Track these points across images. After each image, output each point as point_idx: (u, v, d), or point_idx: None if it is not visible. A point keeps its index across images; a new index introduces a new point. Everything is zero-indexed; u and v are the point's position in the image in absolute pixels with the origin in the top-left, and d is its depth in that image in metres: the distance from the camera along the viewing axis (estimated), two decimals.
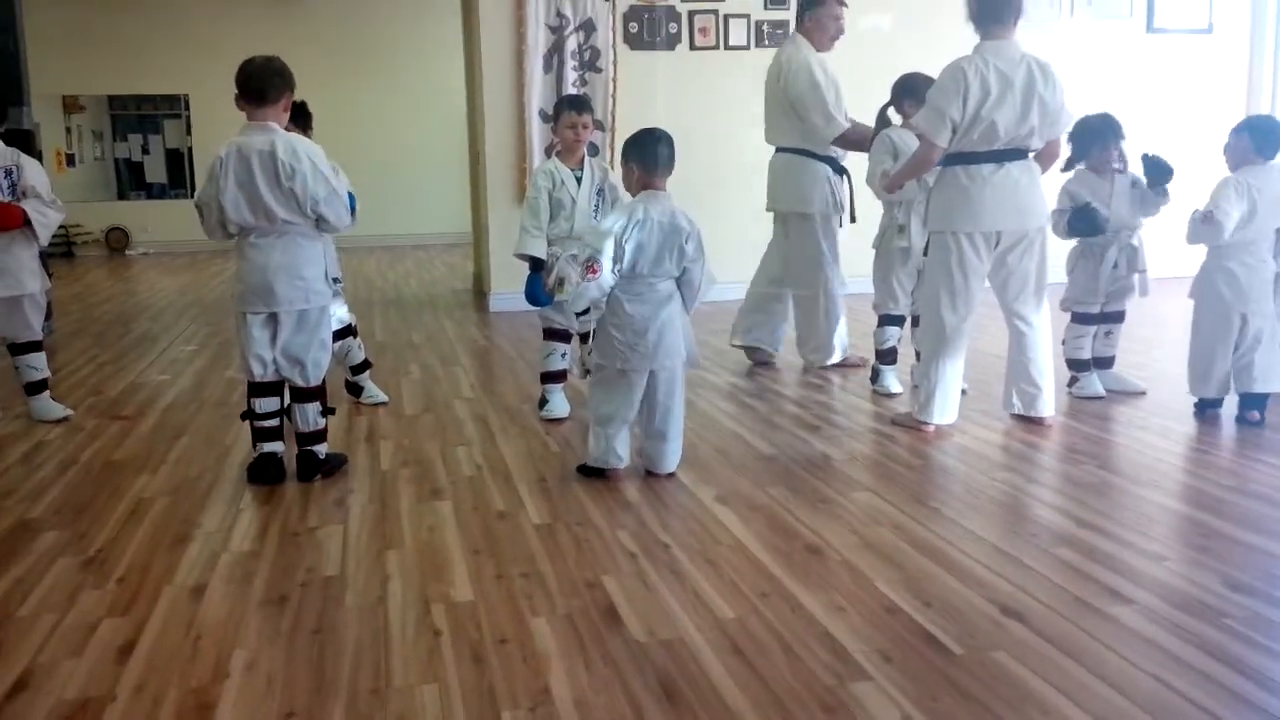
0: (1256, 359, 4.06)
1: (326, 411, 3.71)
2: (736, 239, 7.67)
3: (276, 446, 3.64)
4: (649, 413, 3.55)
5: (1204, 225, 4.01)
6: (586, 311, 4.03)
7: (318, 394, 3.64)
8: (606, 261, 3.37)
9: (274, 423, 3.63)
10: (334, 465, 3.70)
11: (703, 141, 7.55)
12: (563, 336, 4.39)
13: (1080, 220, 4.41)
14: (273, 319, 3.53)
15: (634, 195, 3.56)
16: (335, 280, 3.81)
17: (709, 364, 5.41)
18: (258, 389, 3.59)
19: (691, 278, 3.52)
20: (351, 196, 3.60)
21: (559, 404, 4.40)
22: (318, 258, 3.58)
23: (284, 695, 2.17)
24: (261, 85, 3.43)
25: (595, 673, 2.24)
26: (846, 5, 5.08)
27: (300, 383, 3.59)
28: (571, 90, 7.18)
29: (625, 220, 3.41)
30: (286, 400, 3.67)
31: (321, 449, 3.67)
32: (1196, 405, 4.23)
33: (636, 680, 2.20)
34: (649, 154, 3.51)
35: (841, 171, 5.10)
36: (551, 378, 4.44)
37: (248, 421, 3.68)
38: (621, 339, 3.44)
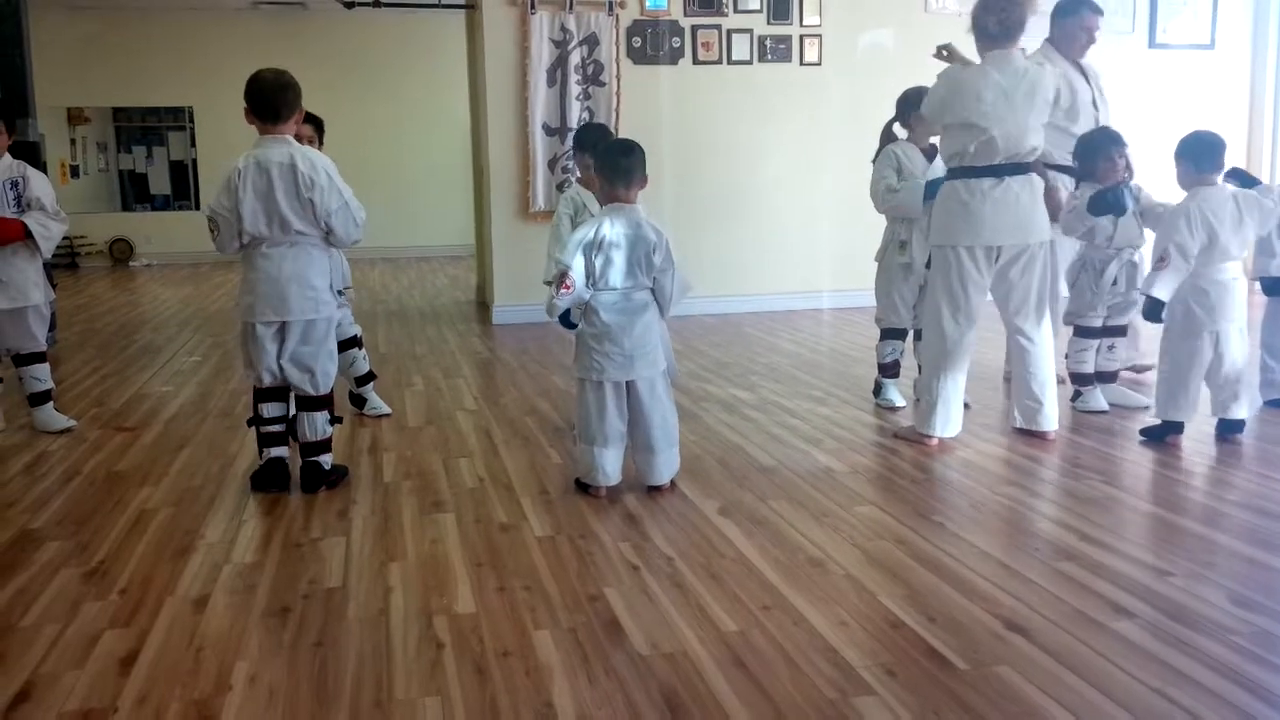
0: (1241, 388, 3.99)
1: (334, 420, 3.72)
2: (740, 252, 7.72)
3: (282, 451, 3.65)
4: (633, 426, 3.52)
5: (1166, 270, 3.87)
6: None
7: (326, 402, 3.66)
8: (579, 276, 3.38)
9: (279, 427, 3.64)
10: (337, 477, 3.70)
11: (706, 156, 7.59)
12: None
13: (1102, 200, 4.27)
14: (281, 329, 3.54)
15: (601, 205, 3.54)
16: (344, 289, 3.83)
17: (711, 376, 5.42)
18: (263, 394, 3.61)
19: (663, 286, 3.50)
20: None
21: None
22: (326, 269, 3.61)
23: (286, 708, 2.17)
24: (276, 103, 3.45)
25: (598, 686, 2.24)
26: (1101, 14, 4.94)
27: (310, 391, 3.60)
28: (575, 104, 7.21)
29: (591, 235, 3.39)
30: (292, 410, 3.68)
31: (327, 459, 3.67)
32: (1155, 430, 4.06)
33: (639, 693, 2.20)
34: (610, 166, 3.48)
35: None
36: None
37: (253, 428, 3.69)
38: (599, 349, 3.42)
